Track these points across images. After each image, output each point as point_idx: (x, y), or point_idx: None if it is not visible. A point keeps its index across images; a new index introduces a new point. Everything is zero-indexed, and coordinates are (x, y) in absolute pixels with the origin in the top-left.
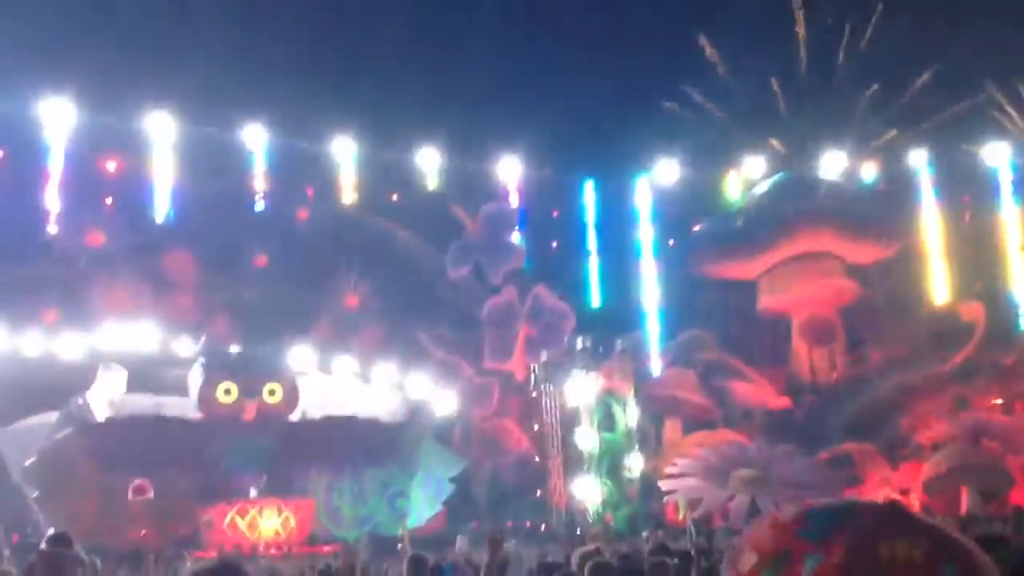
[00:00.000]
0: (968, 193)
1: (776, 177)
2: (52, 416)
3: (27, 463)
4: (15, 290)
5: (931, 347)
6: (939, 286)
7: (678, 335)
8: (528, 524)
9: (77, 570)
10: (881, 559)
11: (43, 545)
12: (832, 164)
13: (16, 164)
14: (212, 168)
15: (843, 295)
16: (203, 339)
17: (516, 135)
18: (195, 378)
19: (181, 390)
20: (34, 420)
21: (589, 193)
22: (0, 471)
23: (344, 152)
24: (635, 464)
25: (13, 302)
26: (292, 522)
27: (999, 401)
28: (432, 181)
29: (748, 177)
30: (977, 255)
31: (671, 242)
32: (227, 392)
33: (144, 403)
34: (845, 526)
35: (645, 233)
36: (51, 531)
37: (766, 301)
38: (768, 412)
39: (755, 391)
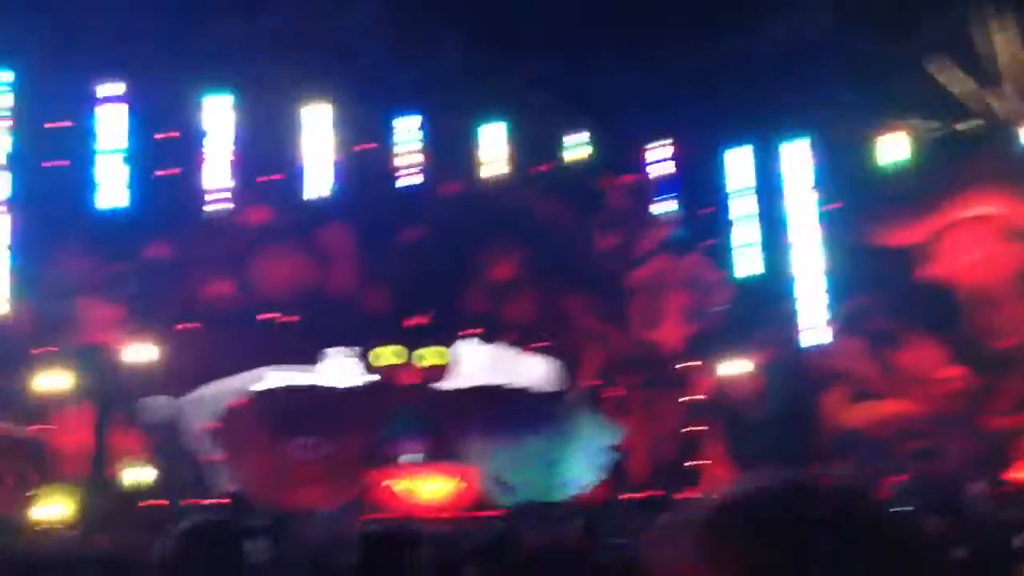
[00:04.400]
0: None
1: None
2: (229, 383)
3: (205, 428)
4: (182, 267)
5: None
6: None
7: (841, 304)
8: (679, 495)
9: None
10: None
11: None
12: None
13: (181, 147)
14: (365, 146)
15: (1015, 258)
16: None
17: (664, 102)
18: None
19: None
20: (213, 387)
21: (743, 158)
22: (175, 436)
23: (493, 126)
24: (795, 437)
25: (181, 278)
26: (456, 488)
27: None
28: (580, 152)
29: (914, 138)
30: None
31: (832, 207)
32: (389, 356)
33: (303, 375)
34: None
35: (804, 198)
36: (226, 491)
37: (933, 266)
38: (939, 381)
39: (924, 360)
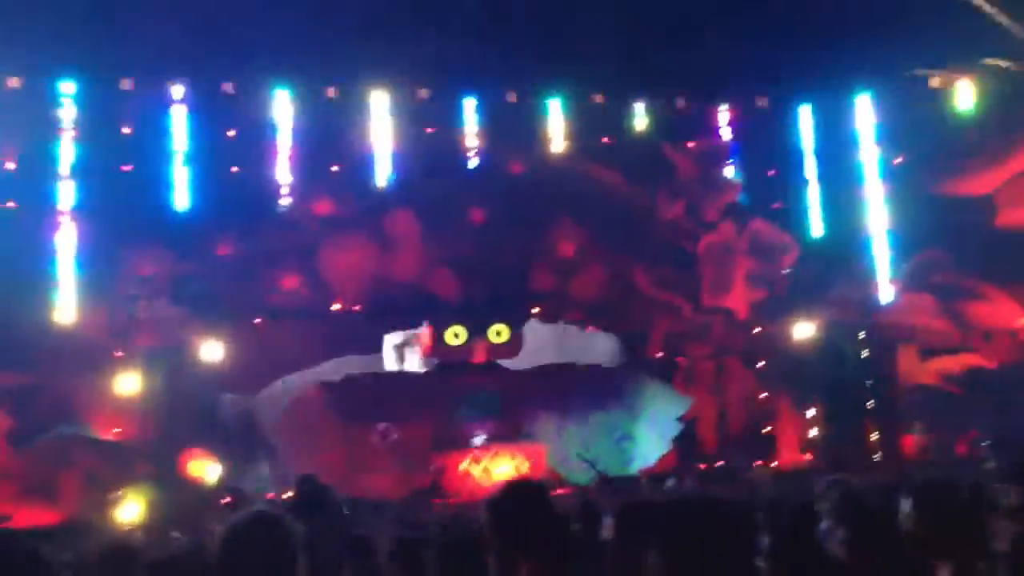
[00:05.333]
0: None
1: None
2: (299, 376)
3: (278, 422)
4: (251, 263)
5: None
6: None
7: (910, 258)
8: (759, 462)
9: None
10: None
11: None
12: None
13: (247, 142)
14: (426, 131)
15: None
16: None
17: (724, 67)
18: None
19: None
20: (284, 381)
21: (805, 118)
22: (248, 432)
23: (552, 103)
24: (867, 396)
25: (250, 274)
26: (525, 468)
27: None
28: (641, 122)
29: (981, 86)
30: None
31: (897, 160)
32: (456, 336)
33: (372, 363)
34: None
35: (868, 154)
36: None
37: (1006, 215)
38: (1013, 333)
39: (998, 312)
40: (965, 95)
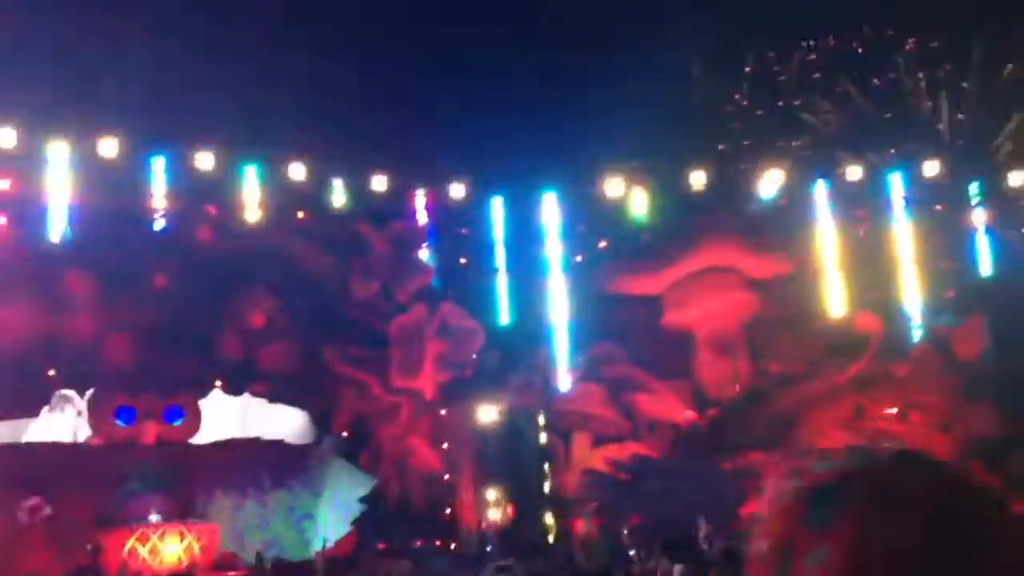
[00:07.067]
0: (862, 208)
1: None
2: None
3: None
4: None
5: (828, 359)
6: (835, 299)
7: (586, 350)
8: (438, 543)
9: None
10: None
11: None
12: (730, 180)
13: None
14: (109, 188)
15: (744, 309)
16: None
17: (424, 152)
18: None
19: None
20: None
21: (497, 210)
22: None
23: (248, 171)
24: (544, 480)
25: None
26: (195, 548)
27: (894, 410)
28: (339, 199)
29: (656, 193)
30: (871, 269)
31: (578, 258)
32: (125, 418)
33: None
34: (846, 508)
35: (553, 249)
36: None
37: (670, 315)
38: (674, 425)
39: (661, 405)
40: (639, 203)
